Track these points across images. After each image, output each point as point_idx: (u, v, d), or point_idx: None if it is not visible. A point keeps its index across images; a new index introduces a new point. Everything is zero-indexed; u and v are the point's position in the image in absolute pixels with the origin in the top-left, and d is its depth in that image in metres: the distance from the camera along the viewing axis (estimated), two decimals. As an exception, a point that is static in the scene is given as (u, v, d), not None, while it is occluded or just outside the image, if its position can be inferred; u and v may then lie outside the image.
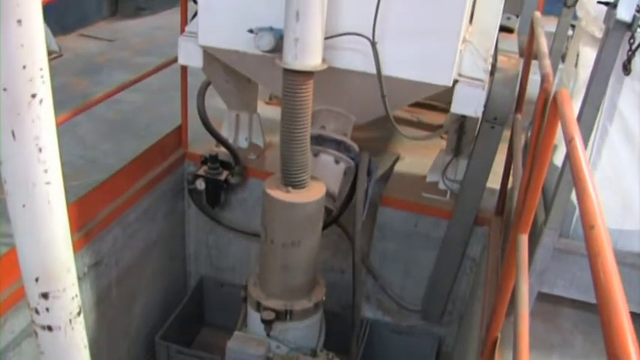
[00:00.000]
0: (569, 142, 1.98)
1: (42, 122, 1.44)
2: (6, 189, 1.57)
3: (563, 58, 4.91)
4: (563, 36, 4.70)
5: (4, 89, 1.36)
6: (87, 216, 3.95)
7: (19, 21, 1.29)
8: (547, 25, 5.03)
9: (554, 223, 2.98)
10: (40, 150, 1.47)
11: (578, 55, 3.66)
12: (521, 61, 4.47)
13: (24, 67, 1.34)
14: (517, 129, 3.93)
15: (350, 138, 3.91)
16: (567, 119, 2.15)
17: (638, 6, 2.55)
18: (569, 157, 1.90)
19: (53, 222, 1.63)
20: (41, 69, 1.39)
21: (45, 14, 1.47)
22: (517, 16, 5.89)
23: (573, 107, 2.33)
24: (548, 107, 2.61)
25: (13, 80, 1.35)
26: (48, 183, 1.53)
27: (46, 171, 1.51)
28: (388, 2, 3.12)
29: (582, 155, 1.85)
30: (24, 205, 1.58)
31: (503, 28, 4.99)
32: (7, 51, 1.31)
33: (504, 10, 4.29)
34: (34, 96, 1.40)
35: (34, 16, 1.33)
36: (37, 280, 1.77)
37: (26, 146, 1.45)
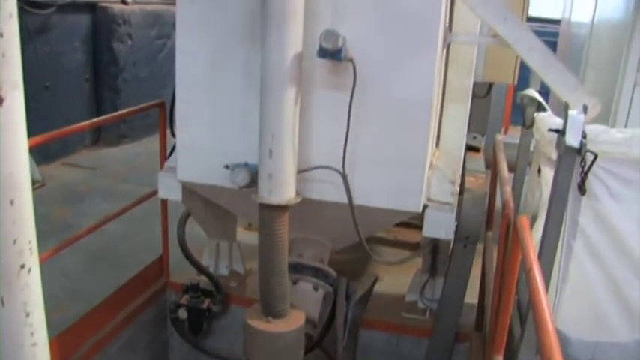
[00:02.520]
0: (527, 272, 2.10)
1: (30, 289, 1.54)
2: (-7, 352, 1.64)
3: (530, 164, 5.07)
4: (527, 151, 4.92)
5: (-5, 262, 1.47)
6: (69, 350, 3.94)
7: (12, 201, 1.42)
8: (516, 136, 5.24)
9: (530, 339, 3.04)
10: (28, 314, 1.56)
11: (540, 169, 3.83)
12: (489, 174, 4.65)
13: (14, 241, 1.46)
14: (488, 246, 4.06)
15: (328, 262, 4.01)
16: (527, 249, 2.27)
17: (584, 132, 2.75)
18: (528, 287, 2.01)
19: (39, 381, 1.68)
20: (30, 241, 1.51)
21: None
22: (482, 135, 6.19)
23: (533, 235, 2.47)
24: (511, 233, 2.75)
25: (4, 253, 1.47)
26: (34, 344, 1.61)
27: (32, 333, 1.59)
28: (356, 136, 3.26)
29: (541, 287, 1.96)
30: (10, 366, 1.64)
31: (470, 148, 5.24)
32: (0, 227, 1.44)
33: (470, 130, 4.49)
34: (22, 266, 1.51)
35: (25, 196, 1.46)
36: None
37: (14, 312, 1.54)
